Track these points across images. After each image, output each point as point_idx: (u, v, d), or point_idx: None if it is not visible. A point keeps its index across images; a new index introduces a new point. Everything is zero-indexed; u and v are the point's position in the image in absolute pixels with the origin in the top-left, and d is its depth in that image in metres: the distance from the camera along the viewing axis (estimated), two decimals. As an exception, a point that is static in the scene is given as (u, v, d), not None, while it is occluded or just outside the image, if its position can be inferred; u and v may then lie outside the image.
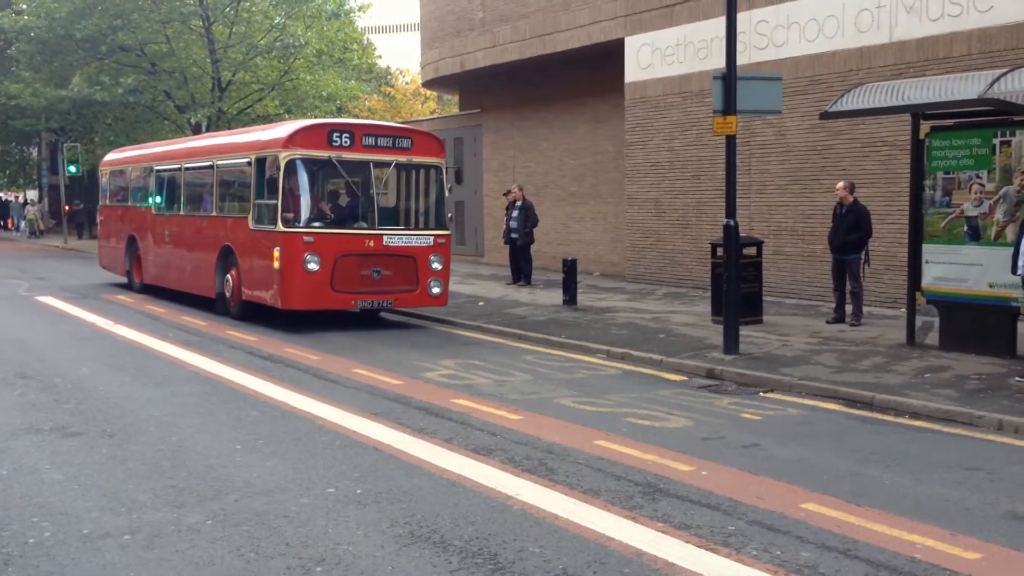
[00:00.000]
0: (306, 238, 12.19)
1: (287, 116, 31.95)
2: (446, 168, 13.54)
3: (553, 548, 4.69)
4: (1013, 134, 9.72)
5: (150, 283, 17.09)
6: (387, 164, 12.90)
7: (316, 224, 12.50)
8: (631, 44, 18.41)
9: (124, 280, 18.56)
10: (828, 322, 12.47)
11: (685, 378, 9.65)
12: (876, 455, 6.66)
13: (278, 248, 12.29)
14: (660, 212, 18.11)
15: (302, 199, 12.50)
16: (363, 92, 38.31)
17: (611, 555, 4.62)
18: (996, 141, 9.86)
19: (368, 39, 43.69)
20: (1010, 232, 9.57)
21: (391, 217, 13.55)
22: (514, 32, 21.67)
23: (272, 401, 8.24)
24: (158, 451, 6.52)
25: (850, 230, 12.23)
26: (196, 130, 32.11)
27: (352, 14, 36.90)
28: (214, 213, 14.64)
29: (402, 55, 56.20)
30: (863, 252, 12.33)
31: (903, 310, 11.66)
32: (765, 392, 8.89)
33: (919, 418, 7.81)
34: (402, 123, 23.08)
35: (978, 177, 9.99)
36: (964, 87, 9.61)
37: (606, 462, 6.32)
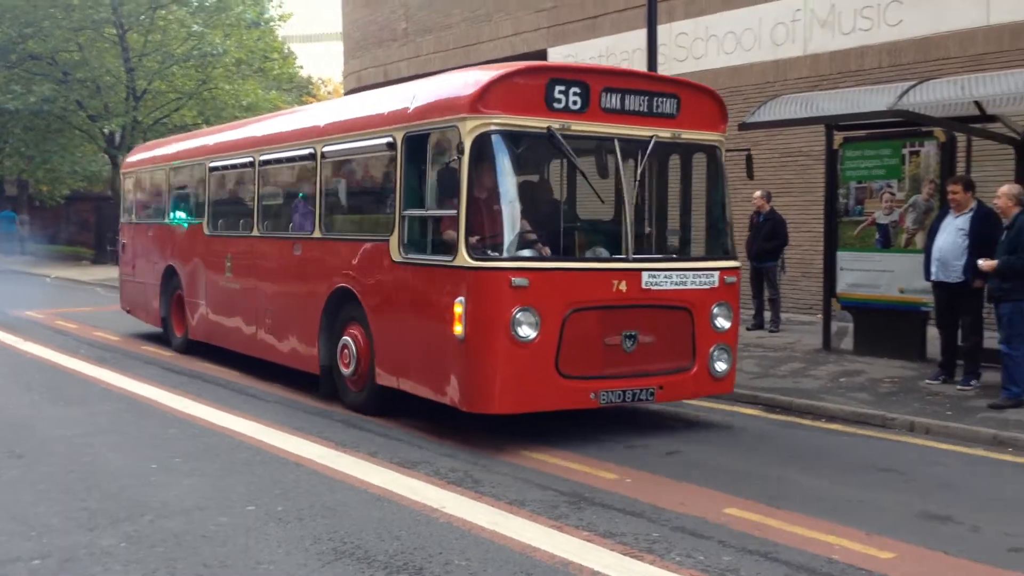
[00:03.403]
0: (516, 280, 6.79)
1: (205, 126, 31.39)
2: (724, 149, 8.03)
3: (479, 560, 4.66)
4: (922, 144, 10.06)
5: (200, 339, 11.45)
6: (643, 143, 7.48)
7: (524, 253, 7.15)
8: (554, 55, 18.55)
9: (157, 330, 12.79)
10: (748, 329, 12.71)
11: (609, 386, 9.69)
12: (794, 458, 6.79)
13: (462, 299, 6.84)
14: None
15: (503, 208, 7.01)
16: (284, 102, 37.84)
17: (537, 565, 4.61)
18: (906, 151, 10.19)
19: (289, 48, 43.18)
20: (919, 239, 9.89)
21: (646, 239, 8.16)
22: (437, 43, 21.66)
23: (189, 418, 8.04)
24: (70, 472, 6.30)
25: (767, 238, 12.51)
26: (110, 141, 31.33)
27: (272, 23, 36.45)
28: (318, 233, 8.91)
29: (324, 64, 55.75)
30: (779, 260, 12.62)
31: (819, 316, 11.96)
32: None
33: (835, 421, 8.00)
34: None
35: (889, 186, 10.30)
36: (875, 99, 9.91)
37: (531, 472, 6.32)
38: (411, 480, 6.10)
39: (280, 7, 36.57)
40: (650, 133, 7.46)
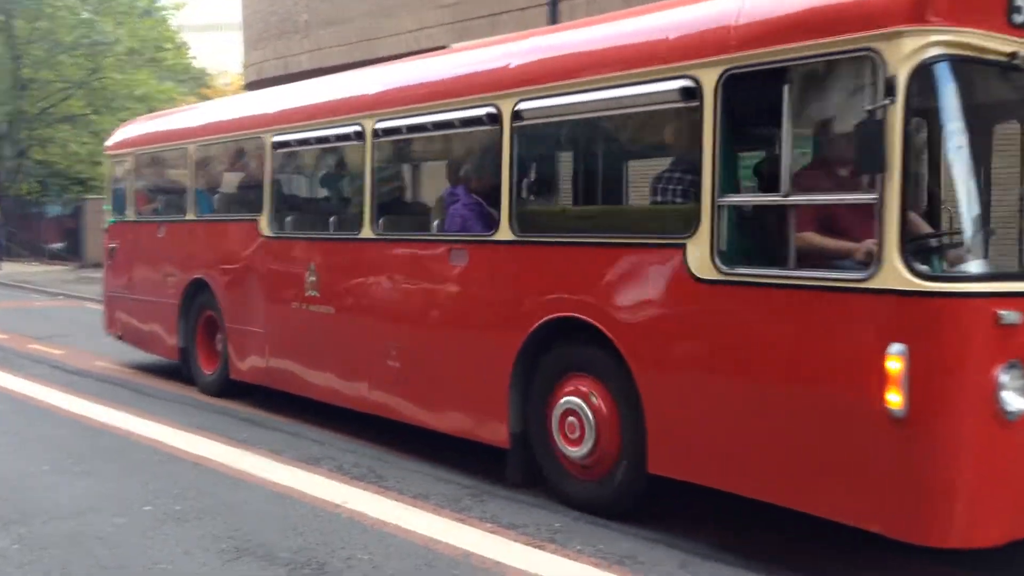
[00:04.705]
0: (1005, 314, 3.98)
1: (95, 118, 30.35)
2: None
3: (382, 554, 4.69)
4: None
5: (254, 381, 8.28)
6: None
7: (979, 266, 4.24)
8: (456, 51, 18.57)
9: (165, 359, 9.79)
10: None
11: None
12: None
13: (902, 348, 3.95)
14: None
15: (960, 188, 4.21)
16: (179, 94, 36.85)
17: (439, 557, 4.66)
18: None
19: (183, 38, 42.09)
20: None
21: None
22: (339, 36, 21.43)
23: (82, 418, 7.81)
24: (-46, 475, 6.08)
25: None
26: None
27: (165, 12, 35.50)
28: (505, 235, 5.78)
29: (220, 55, 54.48)
30: None
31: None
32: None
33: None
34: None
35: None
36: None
37: (436, 466, 6.36)
38: (314, 476, 6.08)
39: (174, -5, 35.68)
40: None
